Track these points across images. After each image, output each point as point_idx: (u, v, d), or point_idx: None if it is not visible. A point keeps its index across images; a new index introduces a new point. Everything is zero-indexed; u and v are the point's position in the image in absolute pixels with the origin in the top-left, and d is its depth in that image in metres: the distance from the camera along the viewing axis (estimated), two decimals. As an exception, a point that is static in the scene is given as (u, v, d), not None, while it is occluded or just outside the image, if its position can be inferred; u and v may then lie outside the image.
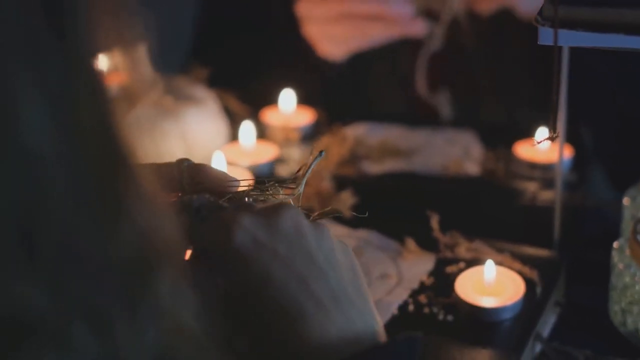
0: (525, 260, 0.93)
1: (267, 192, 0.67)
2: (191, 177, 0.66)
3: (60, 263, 0.41)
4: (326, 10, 1.28)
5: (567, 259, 0.96)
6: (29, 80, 0.39)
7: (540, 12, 0.70)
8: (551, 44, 0.69)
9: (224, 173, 0.68)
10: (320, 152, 0.69)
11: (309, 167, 0.67)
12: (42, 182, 0.39)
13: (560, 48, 0.71)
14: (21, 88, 0.38)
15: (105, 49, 0.45)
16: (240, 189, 0.68)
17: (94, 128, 0.42)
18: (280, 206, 0.63)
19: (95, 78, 0.43)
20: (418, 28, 1.27)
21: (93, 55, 0.43)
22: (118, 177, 0.44)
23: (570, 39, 0.69)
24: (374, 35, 1.28)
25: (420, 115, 1.37)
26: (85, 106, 0.42)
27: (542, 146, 1.01)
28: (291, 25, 1.33)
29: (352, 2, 1.26)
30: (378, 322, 0.63)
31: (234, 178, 0.68)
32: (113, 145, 0.44)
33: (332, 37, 1.30)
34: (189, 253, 0.64)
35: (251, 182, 0.69)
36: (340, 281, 0.62)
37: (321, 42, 1.31)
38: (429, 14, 1.29)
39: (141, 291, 0.45)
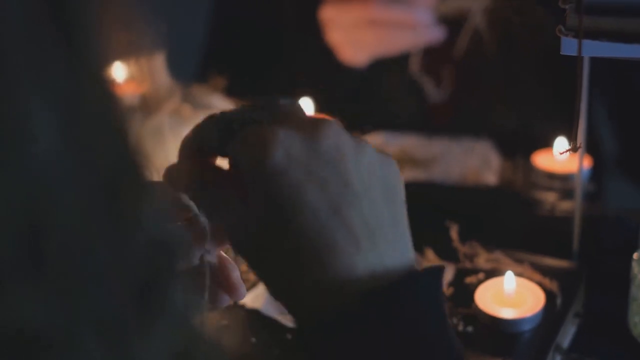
0: (545, 271, 0.92)
1: None
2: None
3: (71, 274, 0.40)
4: (351, 16, 1.29)
5: (587, 270, 0.95)
6: (36, 89, 0.38)
7: (563, 22, 0.70)
8: (574, 54, 0.69)
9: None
10: None
11: None
12: (50, 192, 0.39)
13: (582, 58, 0.70)
14: (28, 97, 0.37)
15: (117, 58, 0.45)
16: None
17: (103, 137, 0.42)
18: (321, 122, 0.59)
19: (106, 87, 0.42)
20: (437, 35, 1.28)
21: (103, 64, 0.42)
22: (129, 186, 0.43)
23: (593, 49, 0.69)
24: (397, 42, 1.29)
25: (435, 124, 1.37)
26: (95, 115, 0.41)
27: (561, 156, 1.01)
28: (309, 32, 1.33)
29: (377, 9, 1.26)
30: (411, 253, 0.60)
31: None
32: (123, 154, 0.43)
33: (356, 42, 1.31)
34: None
35: None
36: (375, 210, 0.58)
37: (344, 47, 1.32)
38: (448, 21, 1.30)
39: (154, 301, 0.44)
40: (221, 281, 0.63)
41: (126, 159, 0.43)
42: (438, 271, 0.59)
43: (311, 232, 0.56)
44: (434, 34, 1.28)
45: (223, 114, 0.61)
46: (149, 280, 0.44)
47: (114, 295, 0.42)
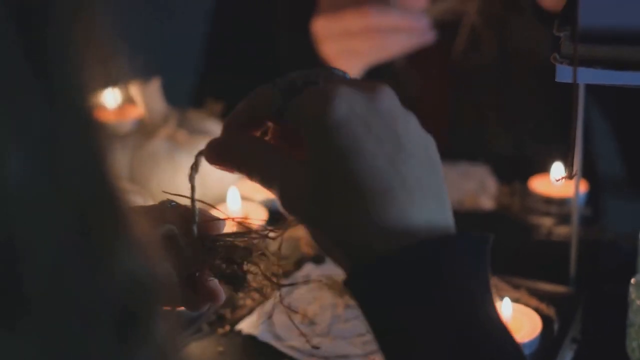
0: (541, 296, 0.92)
1: (253, 235, 0.67)
2: (180, 216, 0.67)
3: (47, 311, 0.39)
4: (345, 25, 1.28)
5: (584, 295, 0.95)
6: (9, 120, 0.37)
7: (558, 50, 0.70)
8: (569, 81, 0.69)
9: (210, 214, 0.68)
10: None
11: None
12: (26, 227, 0.38)
13: (577, 86, 0.70)
14: (1, 129, 0.37)
15: (102, 86, 0.44)
16: (226, 229, 0.68)
17: (79, 169, 0.41)
18: (379, 85, 0.63)
19: (83, 118, 0.42)
20: (431, 38, 1.28)
21: (82, 96, 0.41)
22: (106, 218, 0.42)
23: (588, 76, 0.69)
24: (392, 47, 1.28)
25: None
26: (70, 147, 0.40)
27: (558, 182, 1.01)
28: (306, 54, 1.33)
29: (373, 16, 1.26)
30: (451, 216, 0.63)
31: (218, 218, 0.68)
32: (100, 186, 0.42)
33: (349, 52, 1.30)
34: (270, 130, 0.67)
35: (238, 221, 0.69)
36: (423, 172, 0.62)
37: (339, 59, 1.31)
38: (442, 25, 1.30)
39: (135, 334, 0.43)
40: (200, 288, 0.66)
41: (102, 192, 0.43)
42: (487, 237, 0.63)
43: (371, 178, 0.60)
44: (427, 37, 1.28)
45: (283, 79, 0.66)
46: (129, 312, 0.43)
47: (92, 329, 0.41)
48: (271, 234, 0.67)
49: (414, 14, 1.27)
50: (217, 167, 0.66)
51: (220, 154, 0.66)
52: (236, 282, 0.66)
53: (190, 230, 0.66)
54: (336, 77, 0.66)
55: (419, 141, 0.63)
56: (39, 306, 0.39)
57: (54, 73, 0.40)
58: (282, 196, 0.63)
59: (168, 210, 0.67)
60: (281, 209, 0.63)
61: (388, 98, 0.63)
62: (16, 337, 0.38)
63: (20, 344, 0.38)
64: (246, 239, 0.66)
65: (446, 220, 0.62)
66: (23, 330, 0.38)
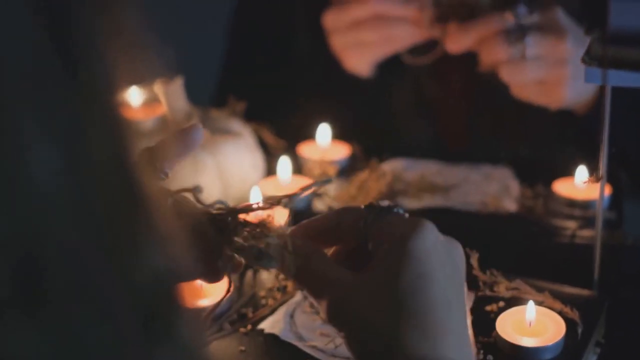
0: (565, 300, 0.92)
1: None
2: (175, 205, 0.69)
3: (70, 306, 0.39)
4: (349, 16, 1.28)
5: (608, 299, 0.95)
6: (38, 115, 0.37)
7: (587, 52, 0.70)
8: (598, 83, 0.68)
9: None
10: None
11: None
12: (51, 221, 0.38)
13: (606, 88, 0.70)
14: (29, 123, 0.37)
15: (129, 84, 0.44)
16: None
17: (106, 165, 0.41)
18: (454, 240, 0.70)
19: (111, 114, 0.42)
20: (437, 31, 1.27)
21: (109, 91, 0.41)
22: (132, 214, 0.43)
23: (617, 78, 0.69)
24: (398, 38, 1.28)
25: (450, 149, 1.37)
26: (98, 143, 0.40)
27: (582, 185, 1.00)
28: (325, 54, 1.33)
29: (379, 4, 1.25)
30: (472, 353, 0.68)
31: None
32: (127, 182, 0.42)
33: (357, 44, 1.29)
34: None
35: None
36: (458, 315, 0.67)
37: (348, 52, 1.31)
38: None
39: (159, 332, 0.43)
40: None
41: (128, 192, 0.43)
42: None
43: (435, 310, 0.64)
44: (433, 30, 1.27)
45: (370, 204, 0.72)
46: (153, 309, 0.43)
47: (117, 327, 0.41)
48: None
49: (421, 4, 1.26)
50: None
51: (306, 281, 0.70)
52: (258, 256, 0.67)
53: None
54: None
55: (461, 289, 0.69)
56: (60, 299, 0.39)
57: (82, 70, 0.40)
58: (331, 308, 0.67)
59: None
60: (324, 316, 0.68)
61: (460, 248, 0.70)
62: (36, 330, 0.38)
63: (40, 336, 0.38)
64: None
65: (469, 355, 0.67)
66: (43, 323, 0.38)
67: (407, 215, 0.72)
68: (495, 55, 1.17)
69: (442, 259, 0.66)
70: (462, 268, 0.70)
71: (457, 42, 1.22)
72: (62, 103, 0.39)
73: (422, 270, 0.65)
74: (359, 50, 1.31)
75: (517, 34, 1.15)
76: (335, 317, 0.67)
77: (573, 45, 1.13)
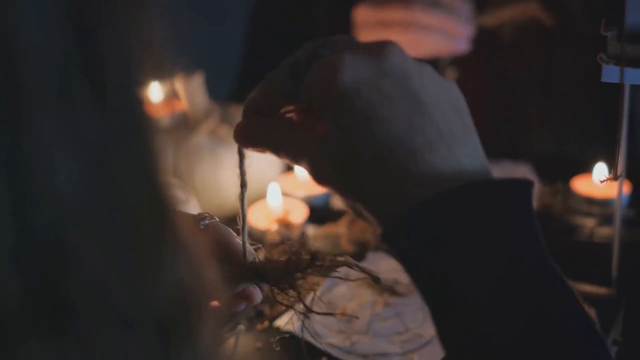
0: (583, 298, 0.91)
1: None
2: (209, 234, 0.67)
3: (92, 317, 0.39)
4: (385, 15, 1.28)
5: (626, 297, 0.94)
6: (61, 124, 0.37)
7: (604, 50, 0.70)
8: (615, 81, 0.68)
9: (238, 242, 0.68)
10: None
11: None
12: (73, 231, 0.38)
13: (624, 86, 0.70)
14: (52, 134, 0.37)
15: (151, 82, 0.44)
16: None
17: (130, 177, 0.41)
18: (384, 44, 0.62)
19: (135, 126, 0.41)
20: (467, 47, 1.27)
21: (133, 98, 0.41)
22: (155, 226, 0.42)
23: (635, 77, 0.68)
24: (426, 46, 1.28)
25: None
26: (122, 154, 0.40)
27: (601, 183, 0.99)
28: None
29: (414, 10, 1.25)
30: (485, 160, 0.62)
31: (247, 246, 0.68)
32: (150, 194, 0.42)
33: None
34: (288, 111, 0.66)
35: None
36: (447, 120, 0.61)
37: None
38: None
39: (181, 343, 0.43)
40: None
41: (152, 199, 0.42)
42: (528, 185, 0.61)
43: (389, 141, 0.59)
44: (464, 45, 1.27)
45: (287, 61, 0.65)
46: (175, 321, 0.43)
47: (138, 338, 0.41)
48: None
49: (459, 18, 1.26)
50: (249, 149, 0.67)
51: (247, 137, 0.66)
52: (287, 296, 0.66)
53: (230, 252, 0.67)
54: (341, 43, 0.65)
55: (437, 90, 0.61)
56: (84, 313, 0.39)
57: (109, 81, 0.39)
58: (312, 170, 0.62)
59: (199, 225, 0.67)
60: (313, 183, 0.63)
61: (396, 55, 0.61)
62: (61, 344, 0.38)
63: (65, 351, 0.38)
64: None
65: (481, 163, 0.61)
66: (68, 337, 0.38)
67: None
68: None
69: (374, 90, 0.60)
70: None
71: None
72: (85, 111, 0.38)
73: (354, 113, 0.59)
74: None
75: None
76: (321, 182, 0.63)
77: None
